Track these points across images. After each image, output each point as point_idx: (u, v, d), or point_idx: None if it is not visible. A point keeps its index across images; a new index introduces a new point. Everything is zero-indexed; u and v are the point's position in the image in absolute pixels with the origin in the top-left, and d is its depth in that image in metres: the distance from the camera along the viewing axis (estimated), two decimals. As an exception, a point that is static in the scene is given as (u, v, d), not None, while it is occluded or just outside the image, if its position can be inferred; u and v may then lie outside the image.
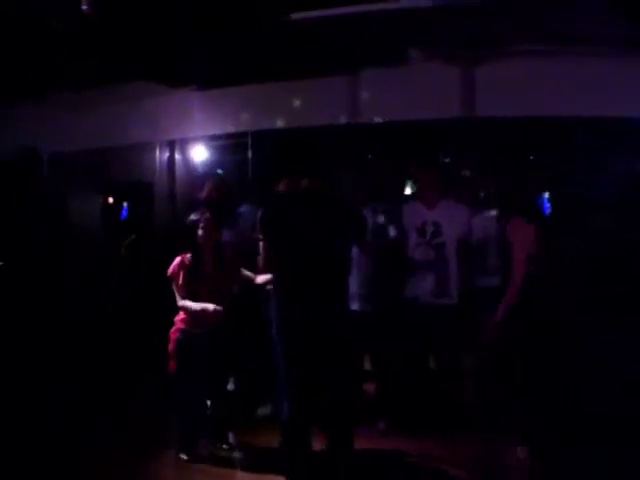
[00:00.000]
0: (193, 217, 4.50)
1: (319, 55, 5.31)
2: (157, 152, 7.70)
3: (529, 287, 3.74)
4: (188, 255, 4.41)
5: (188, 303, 4.30)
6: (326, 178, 3.76)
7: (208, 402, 4.52)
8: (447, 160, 5.35)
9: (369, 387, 5.08)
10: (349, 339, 3.80)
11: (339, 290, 3.77)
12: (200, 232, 4.40)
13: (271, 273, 3.97)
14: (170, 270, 4.36)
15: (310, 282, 3.67)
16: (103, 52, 5.54)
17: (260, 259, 3.88)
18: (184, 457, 4.28)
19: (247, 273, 4.52)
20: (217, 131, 6.98)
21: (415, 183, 4.99)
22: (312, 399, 3.70)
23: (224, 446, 4.48)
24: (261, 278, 4.36)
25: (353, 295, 4.38)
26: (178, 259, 4.39)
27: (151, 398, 5.22)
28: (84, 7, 4.99)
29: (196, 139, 7.72)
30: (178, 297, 4.34)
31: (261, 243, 3.83)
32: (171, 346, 4.30)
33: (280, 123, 5.72)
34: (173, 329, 4.33)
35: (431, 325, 4.72)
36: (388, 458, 4.36)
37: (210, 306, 4.24)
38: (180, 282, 4.33)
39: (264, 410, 5.11)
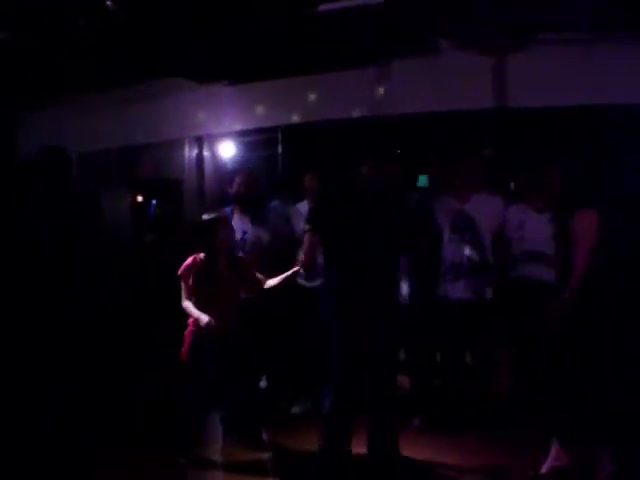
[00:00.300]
0: (206, 216, 4.35)
1: (348, 47, 5.22)
2: (185, 149, 7.70)
3: (590, 278, 3.59)
4: (201, 255, 4.27)
5: (188, 306, 4.18)
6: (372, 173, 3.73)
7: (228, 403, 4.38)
8: (485, 151, 5.19)
9: (403, 382, 4.98)
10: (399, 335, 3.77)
11: (392, 286, 3.80)
12: (216, 232, 4.25)
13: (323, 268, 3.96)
14: (181, 270, 4.23)
15: (365, 278, 3.63)
16: (128, 49, 5.53)
17: (305, 253, 3.91)
18: (183, 461, 4.10)
19: (259, 276, 4.38)
20: (246, 126, 6.93)
21: (446, 176, 4.86)
22: (358, 395, 3.68)
23: (257, 446, 4.32)
24: (271, 282, 4.29)
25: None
26: (190, 259, 4.26)
27: (152, 398, 5.18)
28: (108, 3, 5.00)
29: (224, 135, 7.71)
30: (183, 297, 4.21)
31: (307, 238, 3.81)
32: (184, 347, 4.18)
33: (310, 117, 5.63)
34: (187, 330, 4.22)
35: (467, 321, 4.65)
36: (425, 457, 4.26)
37: (204, 318, 4.06)
38: (190, 283, 4.19)
39: (298, 408, 5.06)
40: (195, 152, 7.88)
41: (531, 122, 5.14)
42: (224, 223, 4.35)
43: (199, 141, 7.84)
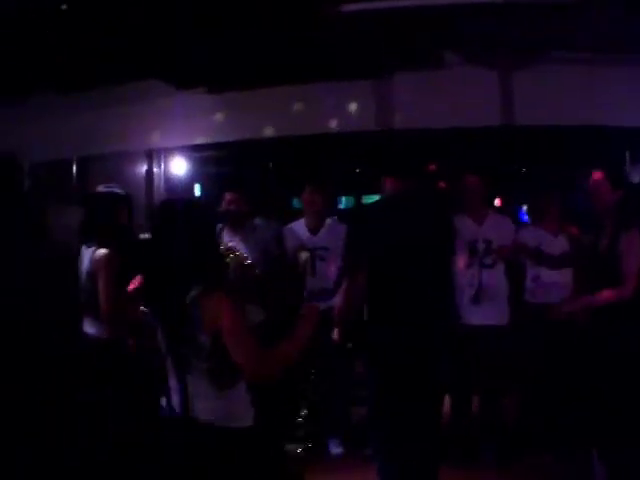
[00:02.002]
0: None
1: (346, 57, 4.89)
2: (137, 162, 7.11)
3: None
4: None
5: None
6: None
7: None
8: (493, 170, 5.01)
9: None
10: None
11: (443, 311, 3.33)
12: None
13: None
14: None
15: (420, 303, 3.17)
16: (90, 50, 4.96)
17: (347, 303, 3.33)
18: None
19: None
20: (205, 140, 6.43)
21: (459, 195, 4.62)
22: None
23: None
24: None
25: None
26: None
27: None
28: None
29: (180, 149, 7.20)
30: None
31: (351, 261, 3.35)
32: None
33: (299, 129, 5.25)
34: None
35: (484, 348, 4.40)
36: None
37: None
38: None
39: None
40: (145, 166, 7.34)
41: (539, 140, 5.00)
42: None
43: (149, 155, 7.29)
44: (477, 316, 4.42)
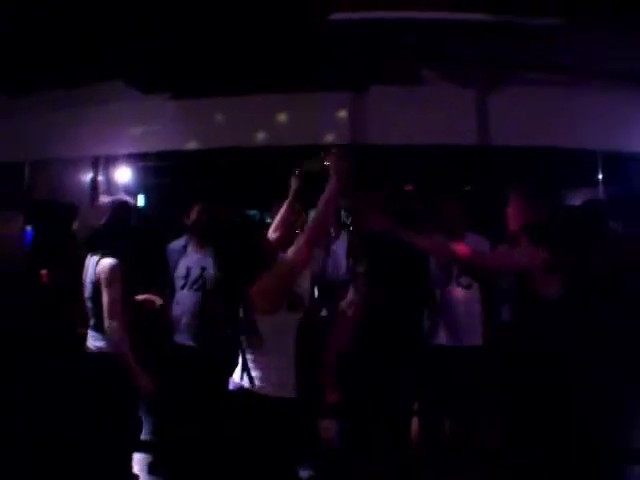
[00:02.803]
0: None
1: (319, 68, 4.74)
2: (81, 170, 6.71)
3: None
4: None
5: None
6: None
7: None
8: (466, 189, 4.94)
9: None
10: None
11: None
12: None
13: None
14: None
15: None
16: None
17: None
18: None
19: None
20: (153, 148, 6.12)
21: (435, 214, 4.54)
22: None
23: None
24: None
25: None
26: None
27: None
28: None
29: (126, 157, 6.84)
30: None
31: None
32: None
33: (262, 140, 5.04)
34: None
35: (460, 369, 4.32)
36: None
37: None
38: None
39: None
40: (90, 174, 6.95)
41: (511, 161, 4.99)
42: None
43: (95, 162, 6.91)
44: (451, 337, 4.34)
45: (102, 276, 3.56)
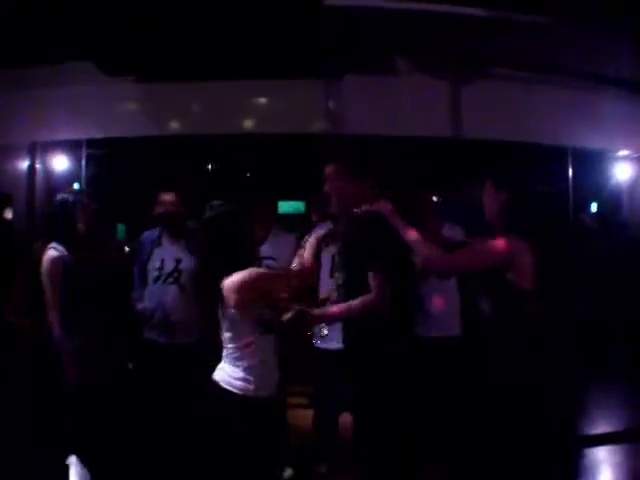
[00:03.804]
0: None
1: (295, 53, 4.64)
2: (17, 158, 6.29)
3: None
4: None
5: None
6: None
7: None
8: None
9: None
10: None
11: None
12: None
13: None
14: None
15: None
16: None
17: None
18: None
19: None
20: (90, 135, 5.81)
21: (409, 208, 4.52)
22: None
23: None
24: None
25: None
26: None
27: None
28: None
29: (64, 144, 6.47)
30: None
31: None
32: None
33: (235, 127, 4.88)
34: None
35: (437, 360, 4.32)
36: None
37: None
38: None
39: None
40: (26, 162, 6.52)
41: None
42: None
43: (31, 149, 6.49)
44: (432, 328, 4.34)
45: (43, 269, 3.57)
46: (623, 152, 6.20)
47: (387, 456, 3.19)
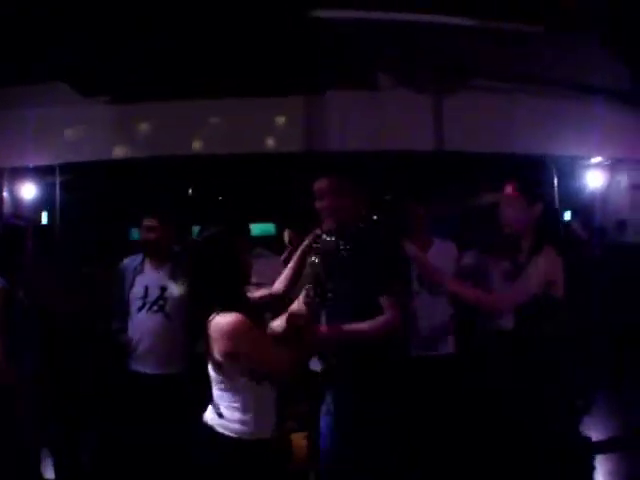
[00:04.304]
0: None
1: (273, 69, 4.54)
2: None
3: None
4: None
5: None
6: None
7: None
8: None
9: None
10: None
11: None
12: None
13: None
14: None
15: None
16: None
17: None
18: None
19: None
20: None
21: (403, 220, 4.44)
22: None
23: None
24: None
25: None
26: None
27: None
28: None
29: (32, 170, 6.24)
30: None
31: None
32: None
33: (216, 148, 4.74)
34: None
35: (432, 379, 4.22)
36: None
37: None
38: None
39: None
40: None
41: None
42: None
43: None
44: (427, 345, 4.25)
45: None
46: (596, 159, 6.22)
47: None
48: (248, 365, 2.51)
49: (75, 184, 6.54)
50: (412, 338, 4.19)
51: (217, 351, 2.49)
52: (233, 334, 2.46)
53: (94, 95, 4.51)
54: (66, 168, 6.13)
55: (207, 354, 2.56)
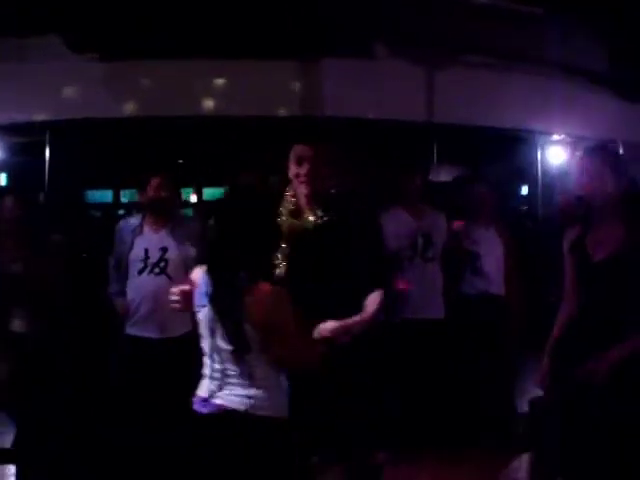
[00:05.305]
0: None
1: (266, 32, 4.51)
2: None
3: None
4: None
5: None
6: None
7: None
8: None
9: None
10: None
11: None
12: None
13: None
14: None
15: None
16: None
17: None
18: None
19: None
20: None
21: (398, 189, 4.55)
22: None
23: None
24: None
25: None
26: None
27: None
28: None
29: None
30: None
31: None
32: None
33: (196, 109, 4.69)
34: None
35: (424, 341, 4.36)
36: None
37: None
38: None
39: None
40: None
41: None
42: None
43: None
44: (419, 309, 4.37)
45: None
46: (556, 136, 6.38)
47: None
48: (280, 344, 2.26)
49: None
50: (405, 302, 4.32)
51: (254, 321, 2.22)
52: (279, 305, 2.23)
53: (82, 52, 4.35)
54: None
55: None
